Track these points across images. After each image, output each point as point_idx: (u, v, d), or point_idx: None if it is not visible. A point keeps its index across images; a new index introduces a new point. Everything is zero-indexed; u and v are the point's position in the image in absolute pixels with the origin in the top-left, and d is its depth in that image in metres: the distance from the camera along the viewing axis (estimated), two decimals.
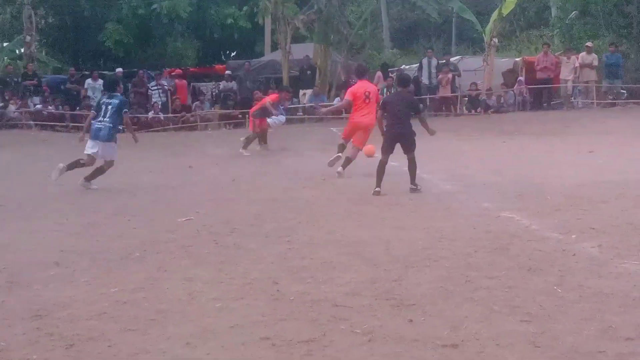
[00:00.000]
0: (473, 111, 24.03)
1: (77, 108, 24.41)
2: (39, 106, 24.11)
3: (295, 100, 24.20)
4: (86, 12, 30.72)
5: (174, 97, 24.99)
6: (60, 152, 18.26)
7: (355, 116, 12.75)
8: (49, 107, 24.18)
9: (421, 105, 13.23)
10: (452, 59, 26.87)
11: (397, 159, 10.83)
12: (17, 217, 9.51)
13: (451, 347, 4.54)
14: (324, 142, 15.97)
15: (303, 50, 26.38)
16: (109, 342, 4.78)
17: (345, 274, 6.17)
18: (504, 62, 27.05)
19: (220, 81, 26.74)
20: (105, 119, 11.50)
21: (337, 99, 22.83)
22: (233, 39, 32.51)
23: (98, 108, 11.73)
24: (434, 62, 24.49)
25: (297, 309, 5.33)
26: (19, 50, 30.47)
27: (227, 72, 26.54)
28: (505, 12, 24.69)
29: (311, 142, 17.54)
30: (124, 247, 7.44)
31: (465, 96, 24.47)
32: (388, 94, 21.09)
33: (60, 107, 24.42)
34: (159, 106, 24.27)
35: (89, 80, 24.96)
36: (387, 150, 10.41)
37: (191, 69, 30.20)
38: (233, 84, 25.69)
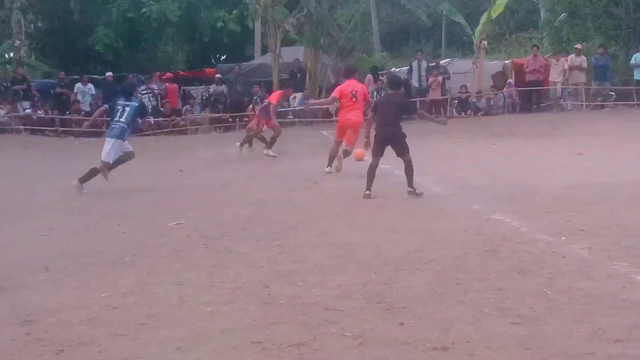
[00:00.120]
0: (463, 114, 24.07)
1: (67, 112, 24.35)
2: (28, 111, 24.03)
3: (285, 103, 24.18)
4: (76, 16, 30.64)
5: (164, 100, 24.95)
6: (50, 156, 18.27)
7: (342, 115, 12.99)
8: (39, 112, 24.10)
9: (413, 107, 13.24)
10: (442, 62, 26.94)
11: (389, 162, 10.83)
12: (6, 221, 9.49)
13: (442, 349, 4.55)
14: (315, 145, 15.98)
15: (293, 54, 26.39)
16: (99, 347, 4.76)
17: (336, 277, 6.17)
18: (494, 65, 27.11)
19: (211, 85, 26.71)
20: (121, 119, 11.82)
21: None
22: (223, 43, 32.47)
23: (114, 110, 12.04)
24: (424, 64, 24.53)
25: (287, 312, 5.32)
26: (8, 55, 30.32)
27: (217, 75, 26.52)
28: (494, 14, 24.74)
29: (302, 146, 17.54)
30: (114, 252, 7.42)
31: (455, 99, 24.51)
32: (378, 96, 21.13)
33: (50, 111, 24.34)
34: (150, 110, 24.22)
35: (78, 85, 24.90)
36: (378, 153, 10.38)
37: (181, 73, 30.16)
38: (223, 88, 25.66)
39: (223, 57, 35.19)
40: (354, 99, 12.74)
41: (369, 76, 24.19)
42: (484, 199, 9.80)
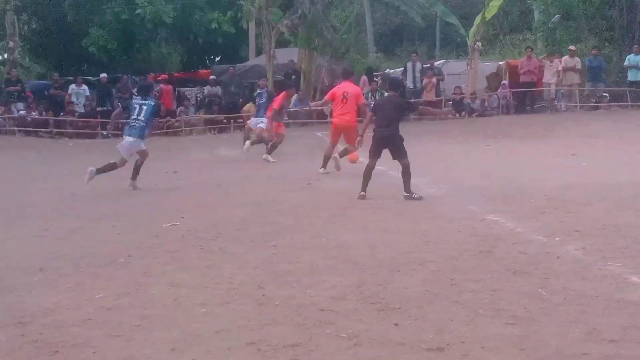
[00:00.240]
0: (457, 115, 24.09)
1: (61, 114, 24.31)
2: (22, 112, 23.97)
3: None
4: (69, 18, 30.57)
5: (159, 102, 24.89)
6: (45, 158, 18.24)
7: (334, 117, 13.24)
8: (33, 113, 24.05)
9: (413, 106, 13.30)
10: (436, 63, 26.96)
11: (384, 163, 10.82)
12: (1, 222, 9.46)
13: (437, 350, 4.55)
14: (310, 146, 15.98)
15: (287, 55, 26.39)
16: (94, 348, 4.75)
17: (331, 278, 6.17)
18: (488, 66, 27.13)
19: (205, 86, 26.69)
20: (140, 118, 12.02)
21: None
22: (217, 44, 32.44)
23: (131, 109, 12.31)
24: (419, 66, 24.55)
25: (282, 313, 5.32)
26: (2, 56, 30.27)
27: (212, 77, 26.51)
28: (488, 16, 24.75)
29: (296, 147, 17.50)
30: (108, 253, 7.41)
31: (449, 100, 24.53)
32: (372, 98, 21.18)
33: (44, 112, 24.30)
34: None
35: (72, 86, 24.87)
36: (374, 154, 10.37)
37: (176, 74, 30.13)
38: (218, 89, 25.65)
39: (217, 59, 35.18)
40: (344, 100, 12.98)
41: (364, 77, 24.21)
42: (479, 199, 9.82)
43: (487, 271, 6.25)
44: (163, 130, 23.36)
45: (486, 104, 24.34)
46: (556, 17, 27.55)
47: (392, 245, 7.33)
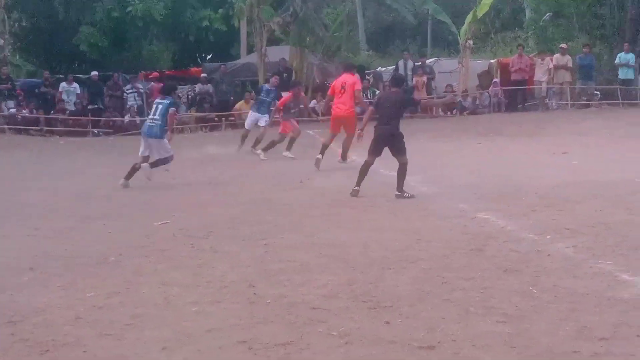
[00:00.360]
0: (449, 113, 24.13)
1: (52, 112, 24.23)
2: (12, 110, 23.85)
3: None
4: (60, 16, 30.47)
5: (150, 100, 24.86)
6: (35, 156, 18.17)
7: (333, 107, 13.58)
8: (23, 111, 23.95)
9: (415, 101, 13.36)
10: (427, 61, 26.98)
11: (376, 161, 10.79)
12: None
13: (428, 348, 4.56)
14: (302, 145, 15.94)
15: (279, 53, 26.34)
16: (85, 347, 4.74)
17: (322, 277, 6.17)
18: (479, 64, 27.15)
19: (196, 84, 26.63)
20: (155, 117, 12.21)
21: (314, 101, 22.87)
22: (209, 42, 32.38)
23: (150, 108, 12.74)
24: (410, 64, 24.57)
25: (274, 312, 5.32)
26: None
27: (203, 74, 26.45)
28: (480, 13, 24.78)
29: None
30: (99, 252, 7.39)
31: (440, 97, 24.52)
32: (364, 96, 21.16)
33: (35, 110, 24.20)
34: (135, 109, 24.19)
35: (63, 84, 24.76)
36: (374, 151, 10.30)
37: (167, 72, 30.05)
38: (209, 87, 25.59)
39: (209, 57, 35.09)
40: (342, 91, 13.32)
41: (356, 75, 24.16)
42: (470, 198, 9.83)
43: (478, 269, 6.26)
44: None
45: (477, 102, 24.37)
46: (547, 15, 27.63)
47: (384, 244, 7.33)
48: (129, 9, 28.86)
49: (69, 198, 11.23)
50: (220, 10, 30.03)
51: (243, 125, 18.84)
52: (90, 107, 24.69)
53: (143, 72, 27.38)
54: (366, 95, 21.71)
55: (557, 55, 23.36)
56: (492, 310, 5.19)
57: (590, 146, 15.45)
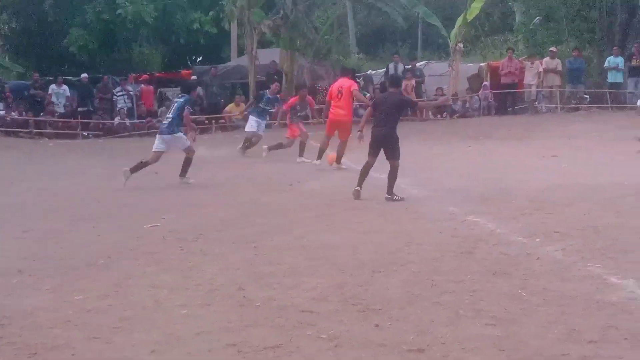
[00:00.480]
0: (439, 116, 24.16)
1: (41, 114, 24.16)
2: (2, 112, 23.79)
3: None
4: (50, 18, 30.33)
5: (140, 102, 24.83)
6: (24, 158, 18.11)
7: (330, 112, 13.72)
8: (13, 113, 23.88)
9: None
10: (418, 64, 27.03)
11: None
12: None
13: (417, 351, 4.56)
14: (295, 146, 15.91)
15: (269, 56, 26.35)
16: (73, 350, 4.72)
17: (312, 280, 6.17)
18: (469, 67, 27.22)
19: None
20: (169, 114, 12.57)
21: None
22: (199, 44, 32.31)
23: (168, 107, 13.06)
24: (401, 67, 24.59)
25: (263, 315, 5.31)
26: None
27: (193, 77, 26.40)
28: (470, 17, 24.85)
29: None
30: (88, 254, 7.36)
31: (431, 101, 24.56)
32: None
33: (24, 113, 24.13)
34: (125, 112, 24.14)
35: (53, 86, 24.69)
36: (371, 153, 10.35)
37: (157, 74, 30.00)
38: (199, 90, 25.55)
39: (199, 59, 35.04)
40: (339, 95, 13.46)
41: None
42: (460, 201, 9.84)
43: (468, 272, 6.26)
44: (144, 131, 23.24)
45: (467, 105, 24.42)
46: (537, 19, 27.72)
47: (374, 247, 7.34)
48: (119, 11, 28.76)
49: (59, 200, 11.19)
50: (210, 13, 29.97)
51: (233, 128, 18.83)
52: (80, 109, 24.65)
53: (133, 74, 27.35)
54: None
55: (546, 59, 23.43)
56: (482, 313, 5.20)
57: (579, 149, 15.50)
